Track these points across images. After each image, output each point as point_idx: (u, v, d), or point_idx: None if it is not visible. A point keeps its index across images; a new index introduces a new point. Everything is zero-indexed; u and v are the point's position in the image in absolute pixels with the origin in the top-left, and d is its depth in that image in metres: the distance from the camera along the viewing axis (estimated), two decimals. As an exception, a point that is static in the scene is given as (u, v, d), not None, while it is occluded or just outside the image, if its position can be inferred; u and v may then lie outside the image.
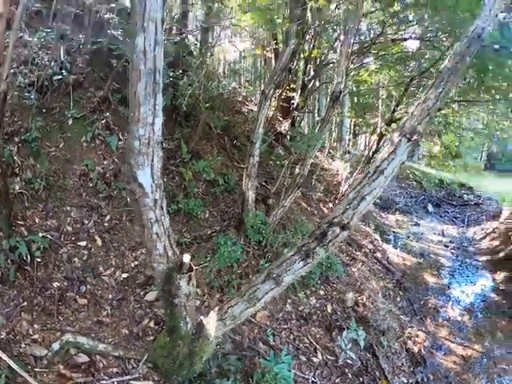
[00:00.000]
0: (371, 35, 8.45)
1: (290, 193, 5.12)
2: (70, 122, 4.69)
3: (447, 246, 10.02)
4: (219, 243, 4.47)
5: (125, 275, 3.82)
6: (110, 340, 3.10)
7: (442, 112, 9.43)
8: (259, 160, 5.02)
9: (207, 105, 5.44)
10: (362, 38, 8.44)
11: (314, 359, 3.85)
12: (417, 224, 11.62)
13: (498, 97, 7.85)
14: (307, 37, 7.70)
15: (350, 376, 3.86)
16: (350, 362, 4.00)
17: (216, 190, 5.37)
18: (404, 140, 2.40)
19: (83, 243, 3.86)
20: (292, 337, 4.00)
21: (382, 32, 7.88)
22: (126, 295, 3.63)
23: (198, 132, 5.44)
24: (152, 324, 3.39)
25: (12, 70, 4.24)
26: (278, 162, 5.59)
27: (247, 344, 3.55)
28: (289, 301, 4.46)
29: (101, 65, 5.40)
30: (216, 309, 2.73)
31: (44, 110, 4.61)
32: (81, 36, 5.58)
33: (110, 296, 3.55)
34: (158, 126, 2.06)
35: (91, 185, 4.36)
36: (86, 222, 4.07)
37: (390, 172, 2.43)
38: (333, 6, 6.94)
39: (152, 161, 2.12)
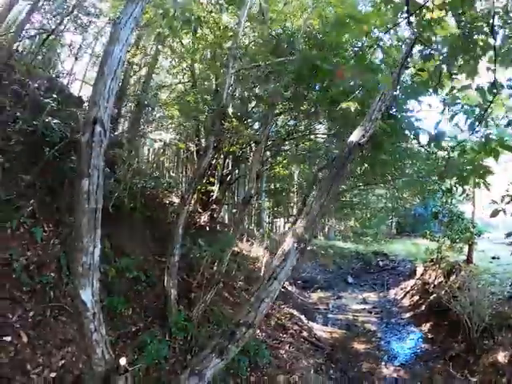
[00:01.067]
0: (283, 132, 9.59)
1: (210, 288, 5.45)
2: (-4, 204, 4.53)
3: (371, 312, 10.76)
4: (145, 341, 4.46)
5: (53, 374, 3.63)
6: None
7: (350, 193, 10.92)
8: (181, 253, 5.30)
9: (131, 204, 5.74)
10: (274, 137, 9.50)
11: None
12: (339, 297, 12.35)
13: (389, 178, 9.43)
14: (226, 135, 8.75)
15: None
16: None
17: (138, 286, 5.43)
18: (293, 248, 3.01)
19: (8, 338, 3.61)
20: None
21: (295, 128, 9.22)
22: None
23: (120, 229, 5.62)
24: None
25: None
26: (198, 255, 5.89)
27: None
28: (220, 393, 4.45)
29: (32, 148, 5.31)
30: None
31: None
32: (19, 114, 5.50)
33: None
34: (97, 254, 2.51)
35: (14, 276, 4.14)
36: (10, 315, 3.82)
37: (282, 277, 2.98)
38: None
39: (92, 282, 2.48)
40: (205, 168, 5.58)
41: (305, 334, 7.86)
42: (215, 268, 5.52)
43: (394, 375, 6.44)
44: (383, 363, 7.13)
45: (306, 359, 6.48)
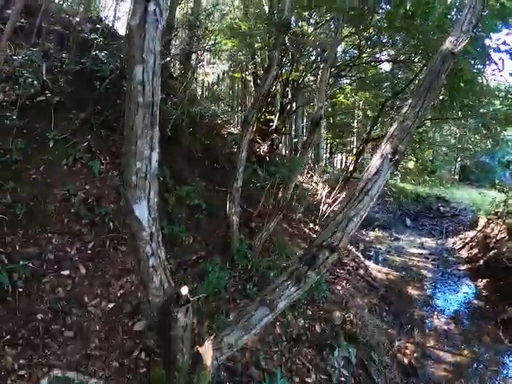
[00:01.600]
0: (347, 58, 8.78)
1: (273, 216, 5.16)
2: (51, 143, 4.60)
3: (427, 258, 10.28)
4: (206, 269, 4.42)
5: (111, 305, 3.69)
6: (100, 374, 2.99)
7: (416, 130, 9.84)
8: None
9: (190, 129, 5.47)
10: (339, 61, 8.74)
11: (308, 380, 3.82)
12: (396, 239, 11.93)
13: (469, 113, 8.25)
14: (285, 60, 7.96)
15: None
16: (344, 379, 4.01)
17: (199, 215, 5.34)
18: (386, 160, 2.49)
19: (66, 272, 3.73)
20: (284, 359, 3.96)
21: (359, 55, 8.24)
22: (113, 326, 3.50)
23: (180, 156, 5.45)
24: (143, 355, 3.28)
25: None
26: (258, 185, 5.60)
27: (240, 370, 3.50)
28: (278, 323, 4.42)
29: (83, 86, 5.32)
30: (211, 338, 2.68)
31: (25, 131, 4.51)
32: (64, 55, 5.51)
33: (98, 327, 3.43)
34: (155, 159, 2.04)
35: (73, 210, 4.22)
36: (69, 249, 3.94)
37: (374, 193, 2.49)
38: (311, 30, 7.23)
39: (149, 194, 2.09)
40: (268, 89, 5.03)
41: (361, 271, 7.66)
42: (280, 194, 5.21)
43: (445, 328, 6.24)
44: (435, 313, 6.95)
45: (361, 298, 6.32)
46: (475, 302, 7.29)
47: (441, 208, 14.28)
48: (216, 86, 11.77)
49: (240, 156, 4.81)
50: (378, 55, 8.76)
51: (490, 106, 7.87)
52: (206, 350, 2.59)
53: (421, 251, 10.92)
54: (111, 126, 5.12)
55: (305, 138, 6.44)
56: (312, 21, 8.13)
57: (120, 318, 3.61)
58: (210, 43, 7.37)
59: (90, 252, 4.04)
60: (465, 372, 5.13)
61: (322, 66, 5.50)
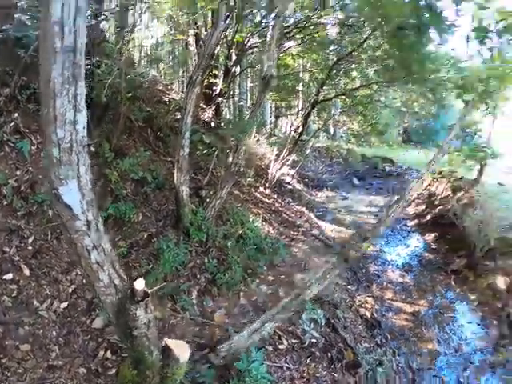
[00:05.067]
0: (295, 19, 8.48)
1: (225, 183, 4.90)
2: (-27, 125, 3.87)
3: (377, 215, 10.74)
4: (161, 248, 4.13)
5: (64, 304, 3.29)
6: (68, 385, 2.65)
7: (363, 92, 9.98)
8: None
9: (129, 95, 4.88)
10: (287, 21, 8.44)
11: (281, 346, 3.81)
12: (345, 198, 12.29)
13: (415, 78, 8.46)
14: (229, 21, 7.46)
15: (318, 354, 3.92)
16: (315, 340, 4.06)
17: (146, 188, 4.92)
18: None
19: (9, 276, 3.20)
20: (253, 330, 3.88)
21: (309, 17, 7.95)
22: (71, 328, 3.13)
23: (119, 126, 4.87)
24: (109, 354, 3.00)
25: None
26: (205, 152, 5.26)
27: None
28: (241, 294, 4.36)
29: (6, 57, 4.50)
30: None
31: None
32: None
33: (54, 333, 3.02)
34: (82, 125, 1.62)
35: (6, 202, 3.63)
36: (7, 249, 3.37)
37: None
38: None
39: (78, 171, 1.66)
40: (214, 48, 4.61)
41: (315, 231, 7.79)
42: (230, 159, 4.92)
43: (400, 280, 6.59)
44: (389, 267, 7.30)
45: (318, 257, 6.45)
46: (426, 254, 7.71)
47: (386, 168, 14.90)
48: (155, 51, 10.88)
49: (185, 120, 4.44)
50: (326, 18, 8.55)
51: (436, 72, 8.09)
52: (177, 343, 2.36)
53: (370, 209, 11.37)
54: (40, 98, 4.37)
55: (253, 100, 6.15)
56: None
57: (76, 317, 3.25)
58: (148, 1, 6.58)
59: (30, 248, 3.51)
60: (424, 320, 5.48)
61: (272, 23, 5.15)
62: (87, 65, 4.72)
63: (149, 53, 10.40)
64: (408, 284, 6.26)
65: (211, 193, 5.28)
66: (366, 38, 7.80)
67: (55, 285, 3.41)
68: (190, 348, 2.50)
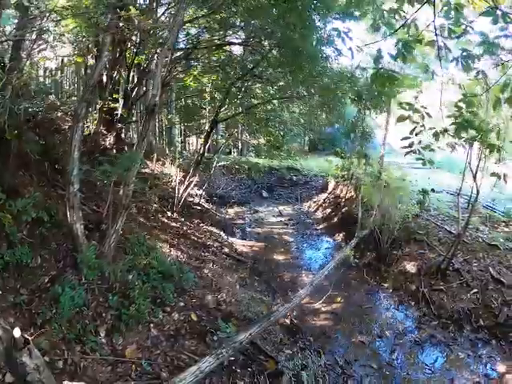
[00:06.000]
0: (195, 41, 8.65)
1: (119, 216, 4.76)
2: None
3: (287, 224, 11.53)
4: (57, 292, 3.90)
5: None
6: None
7: (264, 108, 10.66)
8: (88, 181, 4.67)
9: (15, 132, 4.52)
10: (189, 43, 8.59)
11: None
12: (255, 211, 12.87)
13: (312, 91, 9.36)
14: (129, 44, 7.37)
15: (239, 371, 3.99)
16: (234, 358, 4.08)
17: (42, 229, 4.57)
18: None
19: None
20: (168, 359, 3.87)
21: (210, 38, 8.27)
22: None
23: (11, 164, 4.48)
24: None
25: None
26: (105, 181, 5.08)
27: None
28: (152, 325, 4.28)
29: None
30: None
31: None
32: None
33: None
34: None
35: None
36: None
37: None
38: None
39: None
40: (97, 78, 4.54)
41: (226, 250, 7.99)
42: (121, 192, 4.84)
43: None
44: (302, 272, 7.83)
45: (230, 275, 6.59)
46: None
47: (293, 177, 16.03)
48: (59, 73, 10.07)
49: (72, 156, 4.29)
50: (228, 38, 8.96)
51: (333, 86, 8.98)
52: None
53: (280, 219, 12.09)
54: None
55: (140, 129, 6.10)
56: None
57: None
58: (47, 24, 6.05)
59: None
60: (342, 316, 5.91)
61: (158, 51, 5.21)
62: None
63: (53, 73, 9.67)
64: (323, 284, 6.50)
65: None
66: (265, 56, 8.39)
67: None
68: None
